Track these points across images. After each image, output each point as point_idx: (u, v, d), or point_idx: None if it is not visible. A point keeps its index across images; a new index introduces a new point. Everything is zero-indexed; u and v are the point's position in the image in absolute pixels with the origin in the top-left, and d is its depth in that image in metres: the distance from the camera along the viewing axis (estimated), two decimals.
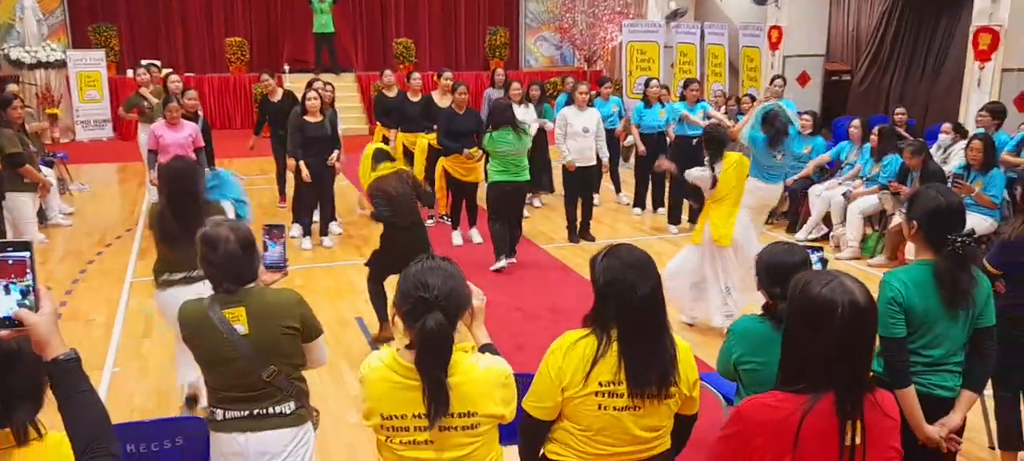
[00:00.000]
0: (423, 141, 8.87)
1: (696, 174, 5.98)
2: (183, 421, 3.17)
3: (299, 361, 2.88)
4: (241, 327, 2.74)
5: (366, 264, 5.99)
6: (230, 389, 2.78)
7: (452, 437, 2.31)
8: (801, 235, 8.67)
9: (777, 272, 2.82)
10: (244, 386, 2.77)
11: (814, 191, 8.69)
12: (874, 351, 2.09)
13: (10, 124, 6.94)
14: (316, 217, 8.40)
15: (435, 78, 9.57)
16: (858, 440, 2.03)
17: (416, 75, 9.58)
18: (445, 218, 8.91)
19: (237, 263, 2.75)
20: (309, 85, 8.37)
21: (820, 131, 9.34)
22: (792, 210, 9.13)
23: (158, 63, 10.94)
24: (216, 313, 2.74)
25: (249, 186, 10.93)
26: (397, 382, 2.29)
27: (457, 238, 8.48)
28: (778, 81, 9.86)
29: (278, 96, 9.20)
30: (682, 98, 9.41)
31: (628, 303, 2.37)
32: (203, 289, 4.32)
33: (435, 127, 8.46)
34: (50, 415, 2.01)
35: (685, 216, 9.19)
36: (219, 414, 2.81)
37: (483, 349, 2.49)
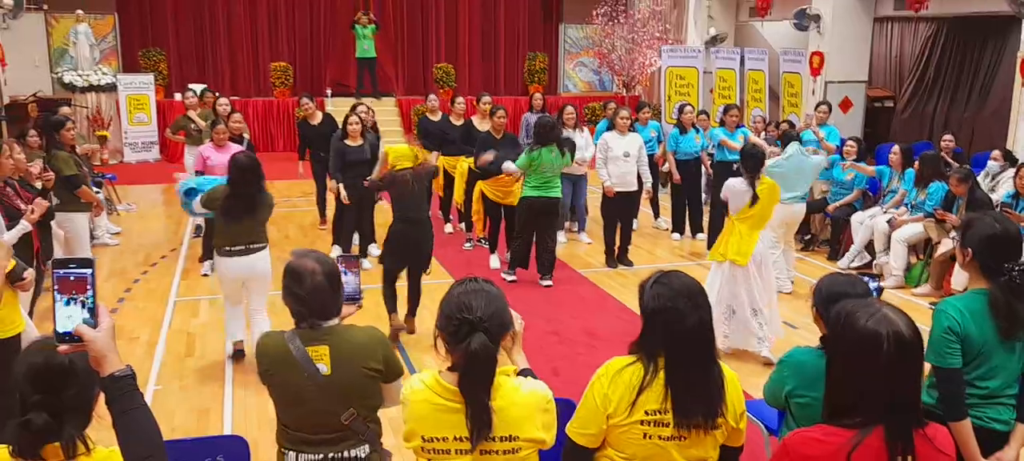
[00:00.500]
0: (463, 165, 8.94)
1: (737, 187, 5.91)
2: (223, 440, 3.21)
3: (377, 403, 2.78)
4: (324, 367, 2.63)
5: (379, 260, 6.45)
6: (305, 429, 2.69)
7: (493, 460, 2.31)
8: (843, 263, 8.54)
9: (1006, 247, 2.79)
10: (320, 428, 2.67)
11: (857, 218, 8.56)
12: (922, 384, 2.04)
13: (63, 146, 7.14)
14: (356, 239, 8.49)
15: (474, 102, 9.65)
16: None
17: (460, 99, 9.67)
18: (483, 241, 8.94)
19: (323, 296, 2.65)
20: (352, 110, 8.50)
21: (864, 158, 9.21)
22: (834, 238, 9.00)
23: (208, 87, 11.16)
24: (298, 349, 2.63)
25: (291, 208, 11.10)
26: (439, 404, 2.28)
27: (494, 261, 8.49)
28: (822, 107, 9.79)
29: (318, 119, 9.34)
30: (721, 124, 9.36)
31: (676, 332, 2.34)
32: (256, 260, 5.58)
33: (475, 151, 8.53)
34: (99, 432, 2.06)
35: None
36: (292, 457, 2.71)
37: (522, 373, 2.48)
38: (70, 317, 1.85)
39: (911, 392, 2.00)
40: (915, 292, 7.69)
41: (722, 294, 5.87)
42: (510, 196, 8.22)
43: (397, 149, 6.35)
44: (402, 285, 6.39)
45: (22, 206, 5.47)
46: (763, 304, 5.87)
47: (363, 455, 2.72)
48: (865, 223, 8.41)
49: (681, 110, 9.63)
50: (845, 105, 12.42)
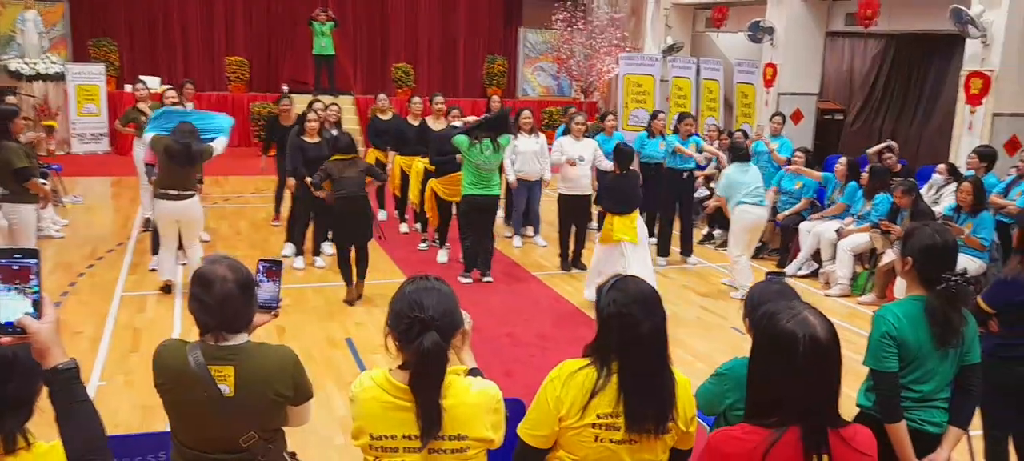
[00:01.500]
0: (419, 165, 8.91)
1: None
2: (166, 436, 3.15)
3: (280, 424, 2.61)
4: (226, 388, 2.44)
5: (331, 239, 7.42)
6: (200, 447, 2.51)
7: (442, 459, 2.31)
8: (791, 269, 8.72)
9: (943, 256, 2.86)
10: (216, 448, 2.49)
11: (804, 227, 8.75)
12: (838, 386, 2.08)
13: (13, 137, 6.94)
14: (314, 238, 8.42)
15: (428, 102, 9.66)
16: None
17: (416, 99, 9.68)
18: (436, 241, 8.94)
19: (234, 306, 2.45)
20: (309, 106, 8.40)
21: (812, 168, 9.42)
22: (783, 246, 9.19)
23: (190, 81, 10.66)
24: (200, 365, 2.42)
25: (243, 204, 10.95)
26: (388, 402, 2.28)
27: (442, 256, 8.61)
28: (776, 118, 10.02)
29: (291, 121, 9.03)
30: (675, 132, 9.49)
31: (630, 337, 2.36)
32: (189, 205, 6.75)
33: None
34: (40, 426, 2.02)
35: (683, 245, 9.27)
36: None
37: (471, 372, 2.48)
38: (13, 308, 1.81)
39: (826, 393, 2.04)
40: (860, 300, 7.88)
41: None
42: (458, 194, 8.25)
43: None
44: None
45: None
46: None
47: None
48: (812, 232, 8.60)
49: (654, 116, 9.74)
50: (796, 117, 12.69)
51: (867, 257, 8.24)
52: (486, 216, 7.79)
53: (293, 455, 2.71)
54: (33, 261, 1.83)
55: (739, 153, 7.87)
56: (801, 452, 2.01)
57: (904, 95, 14.45)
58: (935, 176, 8.75)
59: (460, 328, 2.38)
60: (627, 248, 7.01)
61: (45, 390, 1.97)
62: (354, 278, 7.19)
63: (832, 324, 2.09)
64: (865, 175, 8.47)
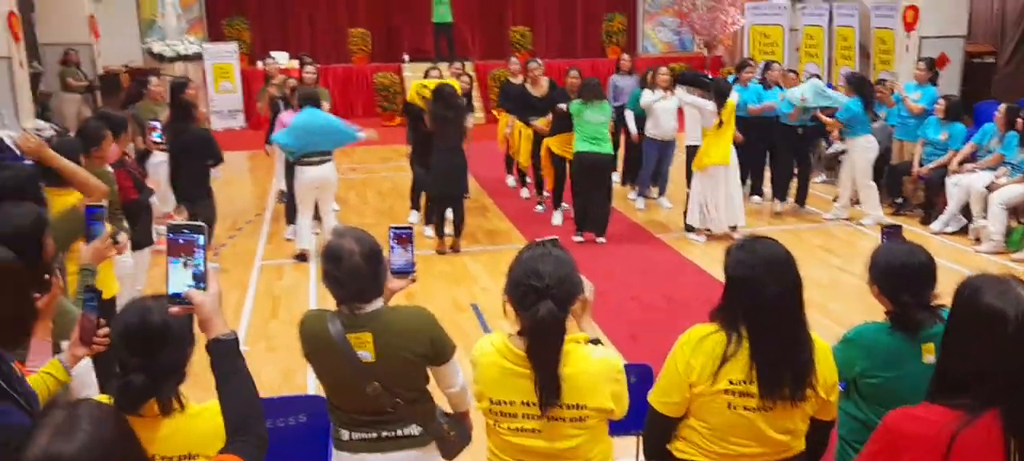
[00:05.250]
0: (528, 130, 8.85)
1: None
2: (305, 399, 3.28)
3: (424, 384, 2.70)
4: (367, 354, 2.54)
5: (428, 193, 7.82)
6: (353, 410, 2.65)
7: (561, 428, 2.29)
8: (936, 227, 8.17)
9: (903, 277, 2.62)
10: (370, 411, 2.62)
11: (952, 181, 8.15)
12: None
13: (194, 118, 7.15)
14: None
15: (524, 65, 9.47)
16: None
17: (532, 63, 9.35)
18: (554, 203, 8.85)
19: (361, 279, 2.51)
20: (426, 74, 8.51)
21: (960, 117, 8.75)
22: (927, 201, 8.60)
23: (308, 56, 10.82)
24: (339, 336, 2.53)
25: (369, 173, 11.26)
26: (507, 368, 2.28)
27: (557, 217, 8.54)
28: (920, 65, 9.36)
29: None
30: (762, 82, 9.07)
31: (757, 302, 2.25)
32: (328, 169, 7.06)
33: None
34: (192, 389, 2.13)
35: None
36: (345, 434, 2.67)
37: (591, 342, 2.44)
38: (180, 280, 1.92)
39: None
40: (1015, 257, 7.30)
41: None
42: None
43: (416, 84, 7.84)
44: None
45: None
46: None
47: (416, 432, 2.67)
48: (961, 185, 8.00)
49: (767, 67, 9.35)
50: (941, 61, 11.77)
51: (1023, 211, 7.61)
52: (598, 175, 7.69)
53: (449, 415, 2.80)
54: (199, 236, 1.94)
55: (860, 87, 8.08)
56: (998, 436, 1.83)
57: None
58: None
59: (579, 295, 2.34)
60: (723, 171, 7.60)
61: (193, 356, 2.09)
62: (448, 234, 7.62)
63: None
64: (1021, 121, 7.79)
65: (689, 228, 8.03)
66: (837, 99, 8.45)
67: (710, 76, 8.82)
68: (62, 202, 3.78)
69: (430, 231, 8.13)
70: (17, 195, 3.09)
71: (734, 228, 7.78)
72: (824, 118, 8.63)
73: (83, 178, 3.85)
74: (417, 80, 8.05)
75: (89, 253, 3.08)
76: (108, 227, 3.26)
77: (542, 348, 2.22)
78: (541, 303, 2.18)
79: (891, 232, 3.07)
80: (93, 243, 3.11)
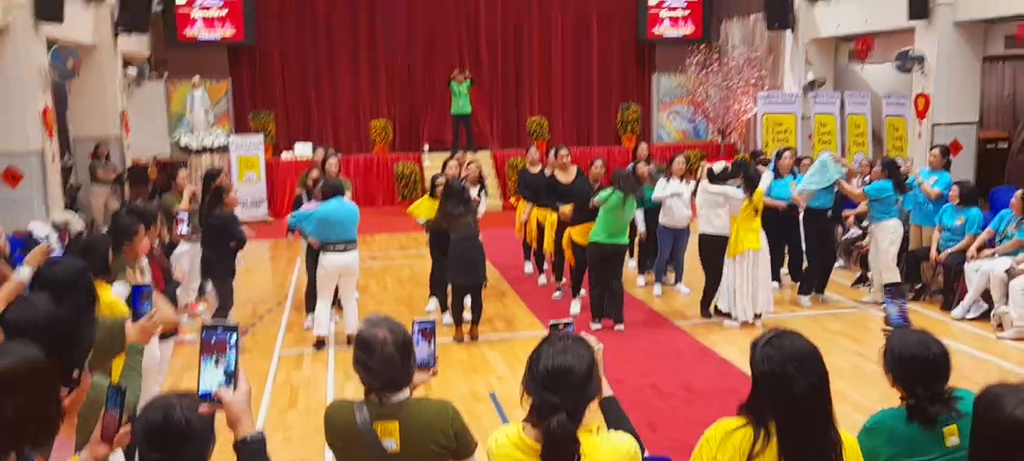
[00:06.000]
0: (553, 216, 8.98)
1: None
2: None
3: None
4: (392, 442, 2.57)
5: (449, 281, 7.79)
6: None
7: None
8: (958, 313, 8.12)
9: (916, 369, 2.63)
10: None
11: (971, 266, 8.13)
12: None
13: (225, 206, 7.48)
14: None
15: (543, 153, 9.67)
16: None
17: (564, 151, 9.21)
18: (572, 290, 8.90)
19: (394, 368, 2.57)
20: (445, 165, 8.72)
21: (976, 202, 8.78)
22: (947, 286, 8.56)
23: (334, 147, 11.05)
24: (366, 424, 2.57)
25: (388, 262, 11.38)
26: (522, 460, 2.31)
27: (575, 306, 8.56)
28: (934, 151, 9.38)
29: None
30: (774, 170, 9.06)
31: (786, 398, 2.24)
32: (353, 257, 7.20)
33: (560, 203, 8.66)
34: None
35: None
36: None
37: (607, 404, 2.46)
38: (211, 379, 1.97)
39: None
40: None
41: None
42: None
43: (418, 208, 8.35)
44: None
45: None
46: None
47: None
48: (981, 270, 7.98)
49: (779, 155, 9.44)
50: (954, 147, 11.87)
51: None
52: (613, 264, 7.91)
53: None
54: (231, 334, 2.00)
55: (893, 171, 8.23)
56: None
57: None
58: None
59: (595, 397, 2.37)
60: (753, 256, 7.72)
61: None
62: (466, 320, 7.69)
63: None
64: None
65: (719, 312, 8.13)
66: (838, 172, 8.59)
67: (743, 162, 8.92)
68: (102, 295, 3.87)
69: (448, 318, 8.18)
70: (70, 287, 3.13)
71: (758, 316, 7.84)
72: (846, 189, 8.65)
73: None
74: (432, 172, 8.30)
75: (135, 331, 3.14)
76: (154, 307, 3.32)
77: (556, 456, 2.24)
78: (555, 416, 2.22)
79: (894, 291, 3.11)
80: (140, 322, 3.18)
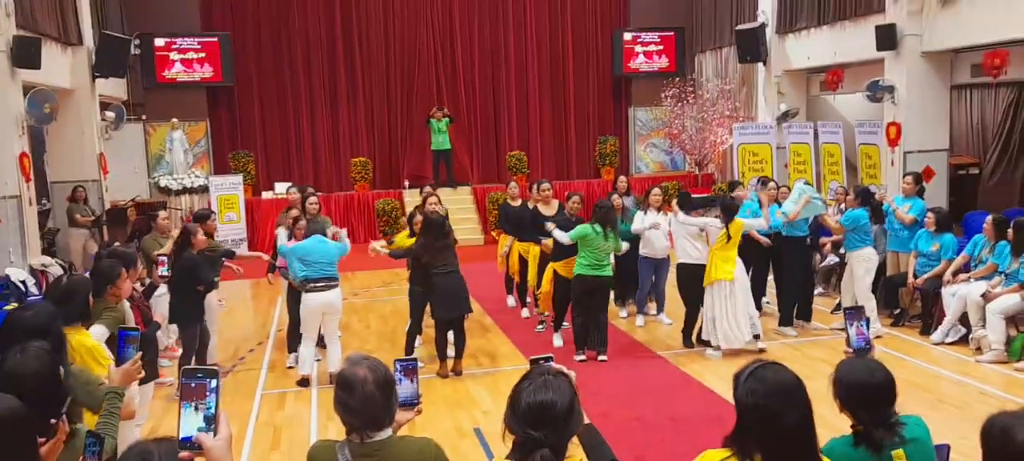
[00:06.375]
0: (536, 248, 9.02)
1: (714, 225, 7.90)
2: None
3: None
4: None
5: (432, 315, 7.71)
6: None
7: None
8: (937, 337, 8.21)
9: (862, 395, 2.68)
10: None
11: (948, 291, 8.25)
12: None
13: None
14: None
15: (524, 186, 9.80)
16: None
17: (545, 185, 9.34)
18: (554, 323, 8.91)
19: (375, 407, 2.53)
20: (424, 200, 8.75)
21: (950, 227, 8.92)
22: (925, 311, 8.67)
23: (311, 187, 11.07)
24: None
25: (372, 298, 11.34)
26: None
27: (557, 340, 8.57)
28: (907, 178, 9.54)
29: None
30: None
31: (772, 430, 2.26)
32: (335, 295, 7.24)
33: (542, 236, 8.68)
34: None
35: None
36: None
37: (585, 432, 2.47)
38: (192, 423, 1.96)
39: None
40: (1017, 366, 7.32)
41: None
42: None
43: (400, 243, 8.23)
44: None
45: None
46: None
47: None
48: (958, 295, 8.09)
49: (763, 185, 9.56)
50: (927, 174, 12.09)
51: (1021, 319, 7.67)
52: (597, 297, 7.95)
53: None
54: (211, 380, 1.99)
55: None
56: None
57: None
58: None
59: (577, 430, 2.38)
60: (728, 286, 7.80)
61: None
62: (450, 356, 7.68)
63: None
64: (1011, 231, 7.94)
65: (703, 342, 8.16)
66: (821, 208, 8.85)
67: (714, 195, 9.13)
68: (78, 341, 3.85)
69: (418, 341, 8.20)
70: (40, 334, 3.11)
71: (757, 336, 8.05)
72: (827, 220, 8.86)
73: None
74: (412, 206, 8.37)
75: (119, 376, 3.12)
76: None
77: None
78: (538, 452, 2.23)
79: (852, 314, 3.16)
80: (123, 367, 3.16)
